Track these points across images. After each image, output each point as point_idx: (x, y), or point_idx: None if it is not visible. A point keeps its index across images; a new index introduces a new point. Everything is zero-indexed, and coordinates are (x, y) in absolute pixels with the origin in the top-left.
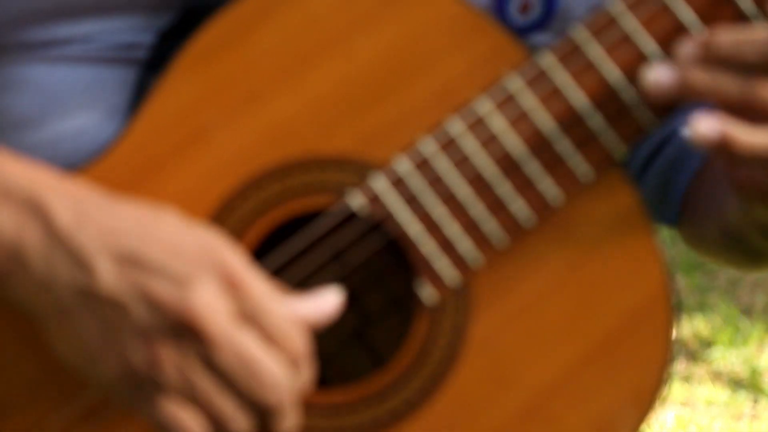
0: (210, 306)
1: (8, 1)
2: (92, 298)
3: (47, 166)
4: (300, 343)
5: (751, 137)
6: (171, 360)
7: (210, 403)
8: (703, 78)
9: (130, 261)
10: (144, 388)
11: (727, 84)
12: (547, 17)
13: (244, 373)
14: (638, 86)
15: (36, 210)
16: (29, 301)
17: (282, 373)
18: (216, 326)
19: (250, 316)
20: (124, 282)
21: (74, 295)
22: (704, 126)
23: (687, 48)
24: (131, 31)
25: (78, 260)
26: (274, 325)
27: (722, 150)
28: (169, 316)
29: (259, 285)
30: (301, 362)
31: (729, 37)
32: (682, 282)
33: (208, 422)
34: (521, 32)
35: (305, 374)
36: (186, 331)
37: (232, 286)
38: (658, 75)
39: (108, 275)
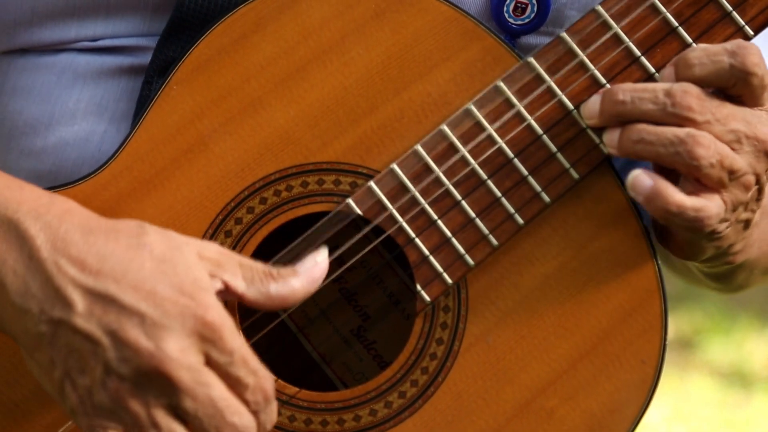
0: (181, 356)
1: (21, 1)
2: (65, 329)
3: (34, 188)
4: (269, 386)
5: (679, 198)
6: (136, 401)
7: None
8: (638, 125)
9: (105, 300)
10: (99, 418)
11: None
12: (541, 19)
13: (218, 421)
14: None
15: (18, 235)
16: (7, 322)
17: (252, 420)
18: (187, 376)
19: (220, 363)
20: (98, 319)
21: (47, 322)
22: (637, 178)
23: (591, 99)
24: (134, 33)
25: (55, 292)
26: (245, 373)
27: (652, 203)
28: (140, 362)
29: (231, 332)
30: (270, 405)
31: (628, 85)
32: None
33: None
34: (515, 34)
35: (273, 417)
36: (156, 378)
37: (204, 334)
38: (607, 135)
39: (83, 310)
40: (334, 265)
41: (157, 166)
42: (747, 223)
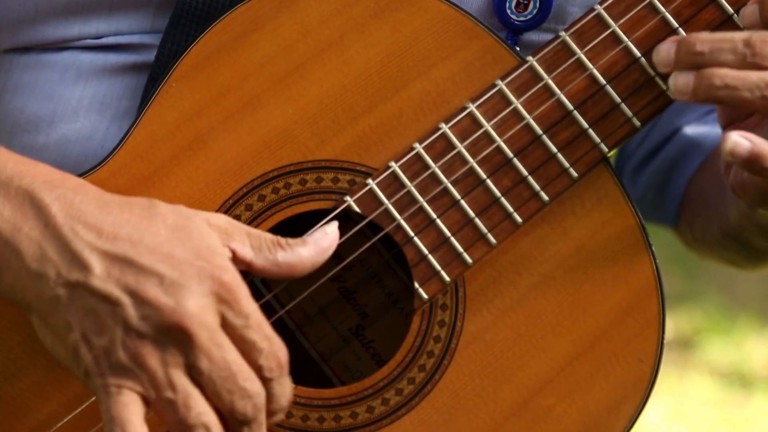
0: (201, 313)
1: None
2: (83, 291)
3: (47, 165)
4: (282, 354)
5: None
6: (155, 358)
7: (187, 404)
8: (720, 71)
9: (122, 262)
10: (114, 377)
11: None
12: (543, 16)
13: (230, 384)
14: (621, 88)
15: (34, 204)
16: (21, 289)
17: (262, 388)
18: (205, 335)
19: (236, 325)
20: (117, 280)
21: (64, 285)
22: (737, 143)
23: (663, 47)
24: (137, 30)
25: (72, 255)
26: (260, 338)
27: (751, 164)
28: (161, 319)
29: (247, 296)
30: (284, 376)
31: (705, 35)
32: (675, 274)
33: (177, 424)
34: (518, 30)
35: (287, 391)
36: (176, 334)
37: (221, 295)
38: (678, 78)
39: (101, 272)
40: (332, 264)
41: (156, 163)
42: None
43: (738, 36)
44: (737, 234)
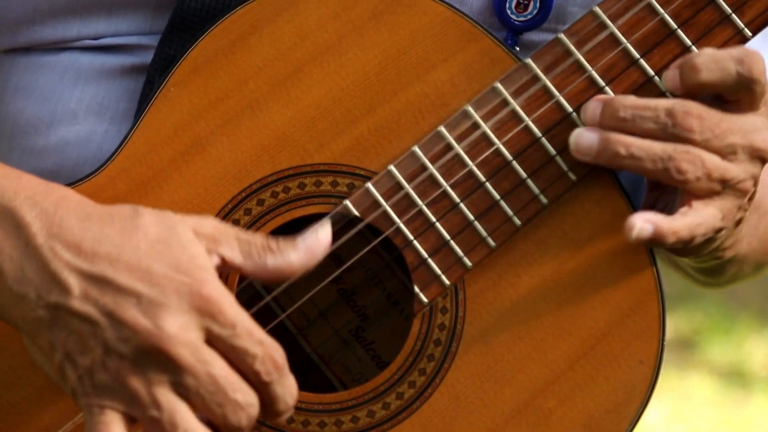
0: (180, 333)
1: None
2: (63, 312)
3: (33, 177)
4: (279, 355)
5: (672, 225)
6: (137, 379)
7: (172, 422)
8: (626, 140)
9: (101, 282)
10: (98, 397)
11: (649, 148)
12: (544, 16)
13: (220, 398)
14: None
15: (15, 222)
16: (7, 310)
17: (255, 397)
18: (187, 353)
19: (223, 337)
20: (95, 301)
21: (45, 307)
22: (641, 229)
23: (590, 106)
24: (135, 32)
25: (51, 276)
26: (251, 343)
27: (655, 243)
28: (139, 341)
29: (231, 305)
30: (285, 377)
31: (630, 101)
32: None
33: None
34: (518, 30)
35: (291, 390)
36: (156, 356)
37: (203, 309)
38: (582, 138)
39: (80, 293)
40: (332, 266)
41: (155, 168)
42: (738, 221)
43: (662, 105)
44: (681, 270)
